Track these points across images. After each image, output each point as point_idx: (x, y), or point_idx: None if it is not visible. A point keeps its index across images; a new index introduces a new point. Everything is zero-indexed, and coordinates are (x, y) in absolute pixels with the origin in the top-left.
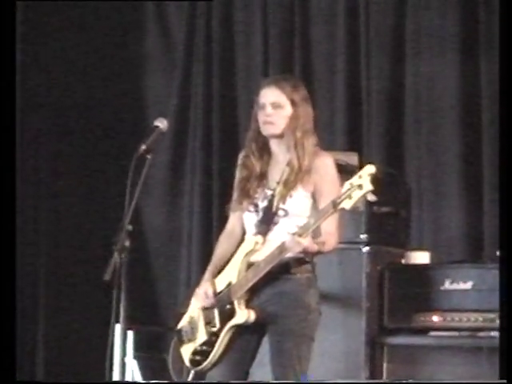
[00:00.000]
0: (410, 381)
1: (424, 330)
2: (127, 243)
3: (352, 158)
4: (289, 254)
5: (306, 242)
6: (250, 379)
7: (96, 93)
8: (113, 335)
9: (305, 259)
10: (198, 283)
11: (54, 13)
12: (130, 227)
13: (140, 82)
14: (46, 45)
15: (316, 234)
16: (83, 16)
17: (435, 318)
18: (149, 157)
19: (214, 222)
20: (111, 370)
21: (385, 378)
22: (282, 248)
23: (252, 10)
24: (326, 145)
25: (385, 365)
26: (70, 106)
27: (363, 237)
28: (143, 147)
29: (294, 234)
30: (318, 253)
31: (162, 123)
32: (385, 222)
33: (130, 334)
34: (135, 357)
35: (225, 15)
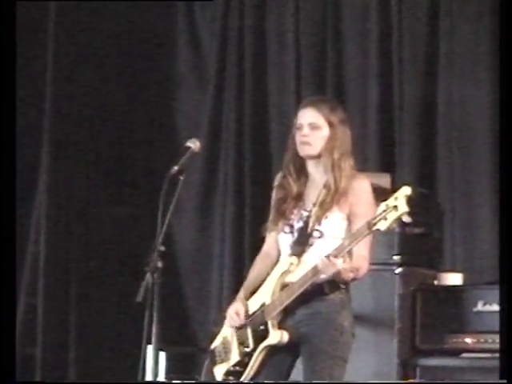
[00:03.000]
0: (411, 381)
1: (457, 352)
2: (159, 264)
3: (384, 179)
4: (322, 276)
5: (340, 264)
6: None
7: (128, 113)
8: (145, 356)
9: (341, 282)
10: (230, 304)
11: (88, 25)
12: (162, 248)
13: (172, 102)
14: (79, 61)
15: (348, 257)
16: (116, 31)
17: (468, 340)
18: (181, 178)
19: (245, 243)
20: None
21: None
22: (315, 270)
23: (285, 28)
24: (359, 166)
25: None
26: (102, 126)
27: (396, 258)
28: (175, 168)
29: (327, 256)
30: (353, 279)
31: (194, 144)
32: (418, 243)
33: (162, 355)
34: (167, 378)
35: (257, 34)
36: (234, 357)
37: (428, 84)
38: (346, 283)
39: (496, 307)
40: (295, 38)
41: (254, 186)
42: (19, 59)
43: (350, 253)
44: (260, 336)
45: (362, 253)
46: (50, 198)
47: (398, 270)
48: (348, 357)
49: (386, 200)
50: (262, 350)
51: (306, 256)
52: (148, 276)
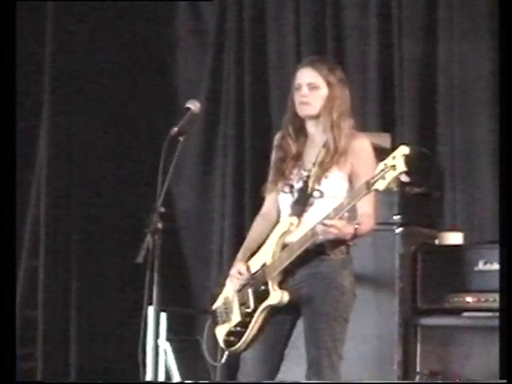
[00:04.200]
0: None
1: (457, 311)
2: (160, 225)
3: (384, 139)
4: (321, 237)
5: (338, 223)
6: (284, 361)
7: (127, 76)
8: (146, 317)
9: (339, 241)
10: (231, 265)
11: None
12: (162, 209)
13: (171, 65)
14: (78, 26)
15: (353, 216)
16: None
17: (469, 299)
18: (181, 139)
19: (246, 203)
20: (145, 352)
21: (418, 359)
22: (313, 232)
23: None
24: (359, 126)
25: (418, 346)
26: (101, 90)
27: (396, 218)
28: (175, 129)
29: (325, 217)
30: (354, 236)
31: (194, 105)
32: (418, 203)
33: (163, 316)
34: (168, 339)
35: None
36: (236, 317)
37: (427, 44)
38: (347, 244)
39: (497, 266)
40: (295, 3)
41: (254, 147)
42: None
43: (354, 212)
44: (261, 296)
45: (366, 211)
46: (50, 164)
47: (399, 230)
48: (349, 317)
49: (384, 160)
50: (263, 310)
51: (306, 216)
52: (148, 237)
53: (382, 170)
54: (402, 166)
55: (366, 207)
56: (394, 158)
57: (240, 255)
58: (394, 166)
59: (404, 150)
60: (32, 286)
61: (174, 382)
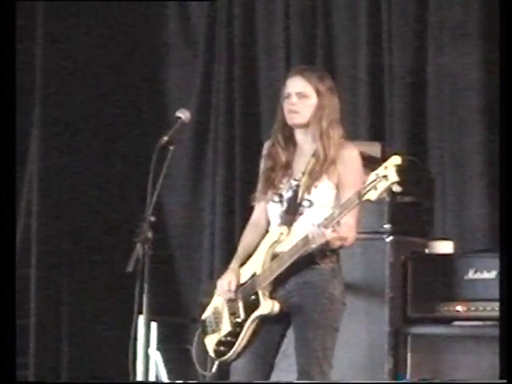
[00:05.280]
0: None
1: (448, 320)
2: (150, 235)
3: (375, 148)
4: (313, 246)
5: (330, 234)
6: (274, 370)
7: (116, 84)
8: (136, 327)
9: (328, 250)
10: (221, 274)
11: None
12: (152, 218)
13: (161, 73)
14: (67, 33)
15: (336, 225)
16: (104, 4)
17: (459, 308)
18: (171, 148)
19: (236, 213)
20: (135, 361)
21: (409, 368)
22: (305, 240)
23: None
24: (349, 135)
25: (408, 354)
26: (90, 98)
27: (386, 227)
28: (165, 138)
29: (318, 225)
30: (340, 247)
31: (183, 114)
32: (408, 212)
33: (154, 325)
34: (159, 348)
35: (246, 2)
36: (226, 327)
37: (418, 53)
38: (334, 251)
39: (487, 275)
40: (285, 6)
41: (244, 156)
42: None
43: (337, 222)
44: (251, 306)
45: (348, 222)
46: (41, 172)
47: (389, 239)
48: (339, 326)
49: (375, 169)
50: (253, 320)
51: (295, 225)
52: (138, 246)
53: (374, 180)
54: (394, 177)
55: (349, 219)
56: (385, 168)
57: (232, 265)
58: (385, 177)
59: (396, 160)
60: (23, 294)
61: (167, 382)
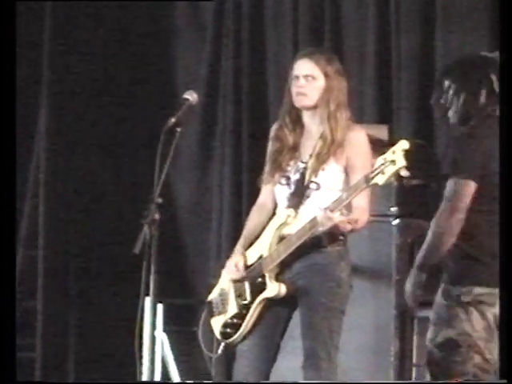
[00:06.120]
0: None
1: None
2: (157, 216)
3: (382, 131)
4: (320, 229)
5: (338, 218)
6: (280, 352)
7: (125, 66)
8: (142, 308)
9: (339, 234)
10: (228, 256)
11: None
12: (159, 200)
13: (169, 56)
14: (75, 16)
15: (347, 209)
16: None
17: None
18: (178, 130)
19: (243, 194)
20: (141, 343)
21: (415, 351)
22: (313, 223)
23: None
24: (356, 117)
25: (415, 337)
26: (99, 80)
27: (393, 210)
28: (173, 120)
29: (325, 209)
30: (351, 231)
31: (191, 96)
32: (415, 195)
33: (160, 307)
34: (165, 330)
35: None
36: (232, 309)
37: (425, 35)
38: (344, 235)
39: None
40: None
41: (252, 138)
42: None
43: (349, 205)
44: (258, 289)
45: (361, 204)
46: (49, 151)
47: (396, 222)
48: (346, 308)
49: (383, 154)
50: (260, 302)
51: (302, 208)
52: (145, 228)
53: (382, 165)
54: (401, 161)
55: (361, 201)
56: (393, 152)
57: (238, 247)
58: (393, 161)
59: (404, 144)
60: (31, 276)
61: (174, 382)
